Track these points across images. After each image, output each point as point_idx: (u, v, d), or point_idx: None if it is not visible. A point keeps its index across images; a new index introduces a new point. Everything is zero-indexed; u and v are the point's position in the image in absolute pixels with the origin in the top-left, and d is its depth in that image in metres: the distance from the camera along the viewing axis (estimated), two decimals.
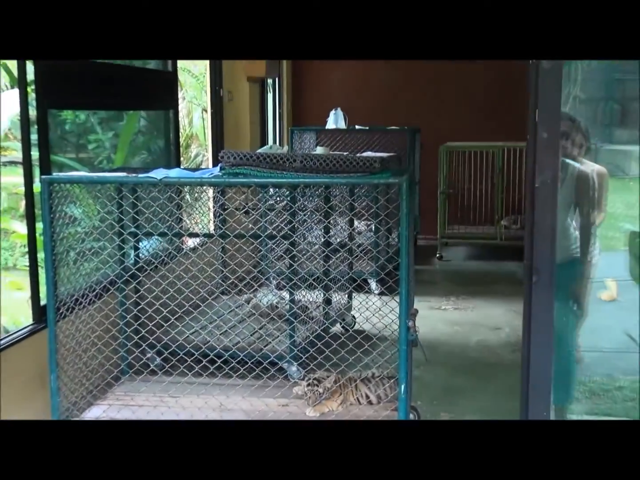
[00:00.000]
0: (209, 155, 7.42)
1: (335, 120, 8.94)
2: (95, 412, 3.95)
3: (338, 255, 5.70)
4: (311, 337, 5.04)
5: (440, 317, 7.36)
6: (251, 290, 5.66)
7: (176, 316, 3.93)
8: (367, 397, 4.24)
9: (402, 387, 3.50)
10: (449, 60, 5.06)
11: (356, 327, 6.19)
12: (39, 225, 3.84)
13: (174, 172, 3.57)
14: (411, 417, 4.39)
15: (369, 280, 7.47)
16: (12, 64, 5.08)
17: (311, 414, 3.99)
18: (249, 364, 3.96)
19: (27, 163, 4.00)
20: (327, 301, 5.72)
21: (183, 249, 6.00)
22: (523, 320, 2.55)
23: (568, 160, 3.39)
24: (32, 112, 4.06)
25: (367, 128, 8.98)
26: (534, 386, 2.49)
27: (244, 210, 5.22)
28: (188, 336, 4.75)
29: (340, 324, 6.15)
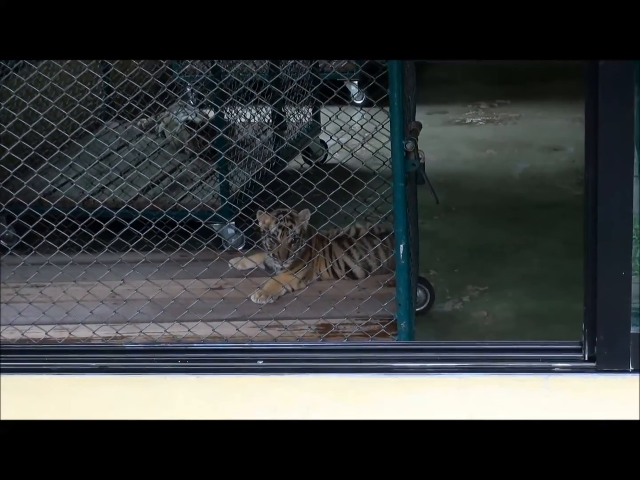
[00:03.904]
0: None
1: None
2: None
3: None
4: (252, 179, 5.03)
5: (463, 136, 7.34)
6: (153, 109, 5.55)
7: (28, 156, 3.84)
8: (347, 267, 4.30)
9: (401, 247, 3.53)
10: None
11: (328, 160, 6.18)
12: None
13: None
14: (419, 294, 4.50)
15: (347, 85, 7.37)
16: None
17: (260, 300, 4.05)
18: (154, 226, 3.95)
19: None
20: (278, 120, 5.66)
21: None
22: (586, 127, 2.53)
23: None
24: None
25: None
26: (604, 230, 2.52)
27: None
28: (53, 189, 4.70)
29: (303, 155, 6.12)
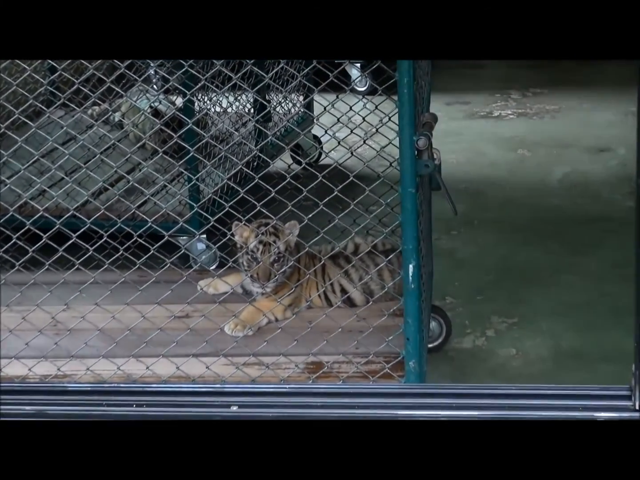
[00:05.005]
0: None
1: None
2: None
3: None
4: (228, 182, 5.02)
5: (489, 132, 7.36)
6: (107, 94, 5.57)
7: None
8: (344, 291, 4.31)
9: (411, 268, 3.54)
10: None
11: (322, 159, 6.20)
12: None
13: None
14: (432, 326, 4.51)
15: (348, 69, 7.39)
16: None
17: (236, 332, 4.05)
18: (105, 238, 3.96)
19: None
20: (261, 109, 5.68)
21: None
22: (638, 124, 2.54)
23: None
24: None
25: None
26: None
27: None
28: None
29: (291, 154, 6.13)
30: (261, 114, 5.65)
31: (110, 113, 6.01)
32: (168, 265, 3.86)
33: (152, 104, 5.82)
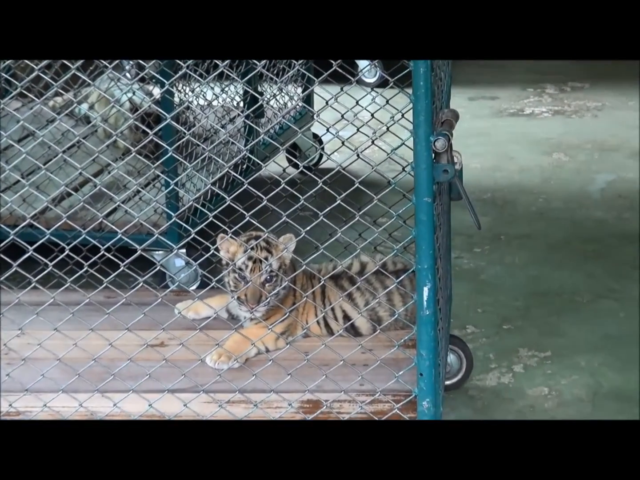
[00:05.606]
0: None
1: None
2: None
3: None
4: (210, 186, 5.03)
5: (520, 133, 7.37)
6: (72, 82, 5.57)
7: None
8: (348, 317, 4.30)
9: (426, 291, 3.54)
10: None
11: (323, 162, 6.20)
12: None
13: None
14: (450, 360, 4.50)
15: None
16: None
17: (220, 364, 4.04)
18: (67, 252, 3.95)
19: None
20: (252, 102, 5.68)
21: None
22: None
23: None
24: None
25: None
26: None
27: None
28: None
29: (287, 155, 6.13)
30: (252, 109, 5.66)
31: (75, 105, 6.00)
32: (140, 284, 3.86)
33: (127, 96, 5.82)
